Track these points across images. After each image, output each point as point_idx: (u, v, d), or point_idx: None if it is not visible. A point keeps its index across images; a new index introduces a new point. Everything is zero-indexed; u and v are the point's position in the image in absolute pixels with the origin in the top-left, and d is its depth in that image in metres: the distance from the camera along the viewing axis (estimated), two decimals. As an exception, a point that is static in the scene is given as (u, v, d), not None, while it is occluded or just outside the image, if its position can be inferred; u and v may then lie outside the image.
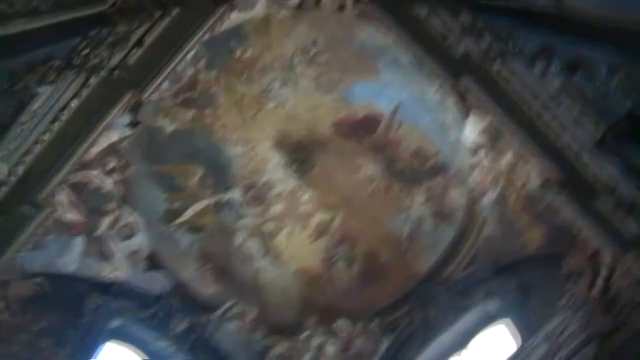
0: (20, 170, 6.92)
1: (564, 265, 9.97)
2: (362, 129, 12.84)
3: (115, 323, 11.49)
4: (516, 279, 11.35)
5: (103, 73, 6.29)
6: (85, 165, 10.31)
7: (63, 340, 10.10)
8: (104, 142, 10.34)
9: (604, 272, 9.23)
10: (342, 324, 12.97)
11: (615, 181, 7.66)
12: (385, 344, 12.80)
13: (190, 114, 12.33)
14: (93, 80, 6.37)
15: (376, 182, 13.19)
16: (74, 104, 6.57)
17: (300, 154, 13.14)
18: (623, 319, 8.69)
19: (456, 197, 12.59)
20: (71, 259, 11.00)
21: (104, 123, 7.33)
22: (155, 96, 7.62)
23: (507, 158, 10.91)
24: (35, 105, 5.90)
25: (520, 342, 10.44)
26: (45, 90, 5.66)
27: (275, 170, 13.31)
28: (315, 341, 12.81)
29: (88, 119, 7.14)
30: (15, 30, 4.54)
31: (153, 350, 11.81)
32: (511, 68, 8.21)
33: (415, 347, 12.42)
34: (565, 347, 8.97)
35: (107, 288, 11.54)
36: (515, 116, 8.04)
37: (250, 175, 13.27)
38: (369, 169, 13.16)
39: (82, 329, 10.80)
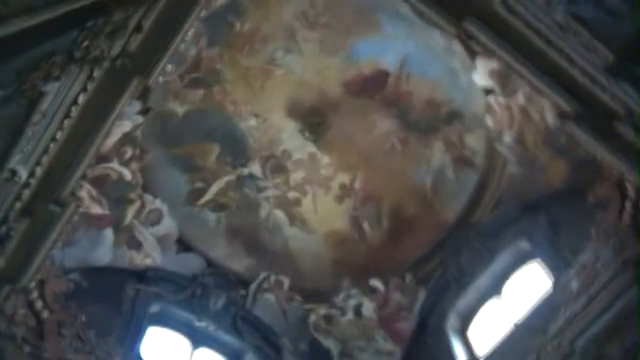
0: (40, 171, 7.01)
1: (591, 196, 9.91)
2: (372, 86, 12.75)
3: (154, 308, 11.65)
4: (544, 216, 11.28)
5: (106, 64, 6.28)
6: (102, 158, 10.40)
7: (107, 329, 10.28)
8: (117, 133, 10.41)
9: (632, 197, 9.18)
10: (376, 282, 13.07)
11: (632, 104, 7.56)
12: (422, 296, 12.86)
13: (199, 93, 12.34)
14: (97, 73, 6.38)
15: (393, 137, 13.13)
16: (82, 98, 6.57)
17: (314, 118, 13.11)
18: (655, 242, 8.67)
19: (475, 141, 12.51)
20: (103, 251, 11.14)
21: (115, 113, 7.34)
22: (161, 80, 7.59)
23: (521, 95, 10.79)
24: (44, 104, 5.92)
25: (554, 278, 10.43)
26: (52, 88, 5.68)
27: (291, 138, 13.31)
28: (353, 302, 12.92)
29: (98, 111, 7.15)
30: (15, 30, 4.54)
31: (195, 330, 11.97)
32: (514, 2, 8.03)
33: (452, 295, 12.48)
34: (599, 277, 8.95)
35: (142, 275, 11.67)
36: (523, 52, 7.90)
37: (267, 146, 13.28)
38: (384, 124, 13.09)
39: (124, 317, 10.96)
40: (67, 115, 6.69)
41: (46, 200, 7.74)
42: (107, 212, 10.98)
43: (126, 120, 10.46)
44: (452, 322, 12.34)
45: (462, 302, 12.38)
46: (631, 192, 9.19)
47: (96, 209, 10.74)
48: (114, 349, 9.82)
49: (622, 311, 8.52)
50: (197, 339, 11.99)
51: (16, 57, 4.89)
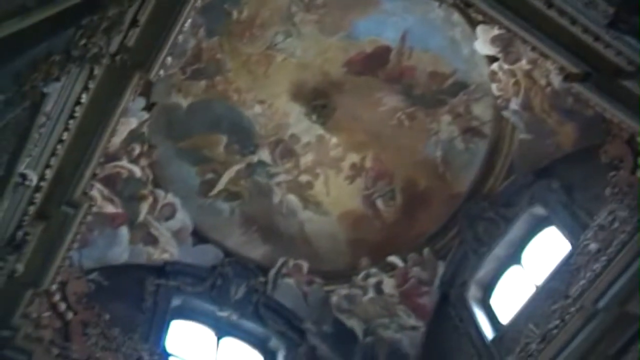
0: (50, 173, 7.03)
1: (603, 156, 9.84)
2: (374, 63, 12.70)
3: (176, 302, 11.74)
4: (557, 180, 11.24)
5: (105, 61, 6.26)
6: (111, 157, 10.45)
7: (132, 326, 10.37)
8: (124, 131, 10.45)
9: (644, 153, 9.12)
10: (395, 259, 13.09)
11: (638, 58, 7.46)
12: (441, 269, 12.88)
13: (202, 85, 12.36)
14: (97, 70, 6.37)
15: (399, 113, 13.11)
16: (85, 97, 6.57)
17: (319, 100, 13.10)
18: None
19: (482, 110, 12.48)
20: (120, 249, 11.23)
21: (119, 110, 7.32)
22: (162, 73, 7.57)
23: (525, 60, 10.74)
24: (48, 106, 5.92)
25: (572, 241, 10.39)
26: (53, 89, 5.67)
27: (297, 122, 13.31)
28: (372, 280, 12.96)
29: (102, 109, 7.13)
30: (10, 31, 4.52)
31: (218, 320, 12.06)
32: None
33: (471, 266, 12.49)
34: (617, 236, 8.90)
35: (161, 270, 11.76)
36: (523, 15, 7.79)
37: (275, 132, 13.30)
38: (390, 100, 13.05)
39: (147, 313, 11.06)
40: (71, 116, 6.69)
41: (59, 202, 7.75)
42: (120, 210, 11.06)
43: (131, 117, 10.51)
44: (473, 292, 12.37)
45: (482, 272, 12.39)
46: (643, 148, 9.12)
47: (109, 208, 10.82)
48: (140, 345, 9.90)
49: (642, 268, 8.49)
50: (221, 329, 12.08)
51: (13, 60, 4.86)
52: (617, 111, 8.45)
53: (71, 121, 6.83)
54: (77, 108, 6.74)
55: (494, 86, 11.71)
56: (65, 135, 6.86)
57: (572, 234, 10.54)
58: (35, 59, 5.01)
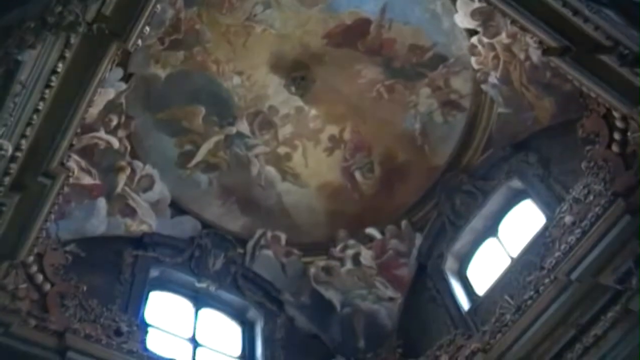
0: (25, 143, 6.93)
1: (580, 131, 9.94)
2: (354, 35, 12.60)
3: (154, 273, 11.73)
4: (534, 154, 11.35)
5: (82, 29, 6.13)
6: (88, 128, 10.34)
7: (110, 298, 10.35)
8: (101, 101, 10.32)
9: (619, 127, 9.20)
10: (373, 231, 13.17)
11: (616, 33, 7.49)
12: (419, 241, 13.00)
13: (180, 55, 12.18)
14: (74, 39, 6.26)
15: (379, 85, 13.06)
16: (61, 66, 6.46)
17: (298, 72, 13.01)
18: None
19: (461, 84, 12.49)
20: (98, 221, 11.16)
21: (96, 80, 7.19)
22: (140, 43, 7.45)
23: (505, 34, 10.75)
24: (23, 75, 5.83)
25: (548, 214, 10.53)
26: (28, 57, 5.57)
27: (276, 93, 13.23)
28: (350, 252, 13.04)
29: (79, 79, 7.01)
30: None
31: (196, 291, 12.07)
32: None
33: (448, 238, 12.64)
34: (592, 209, 9.03)
35: (139, 241, 11.74)
36: (503, -11, 7.80)
37: (254, 104, 13.21)
38: (369, 73, 13.00)
39: (125, 285, 11.02)
40: (47, 85, 6.57)
41: (35, 173, 7.65)
42: (98, 181, 10.97)
43: (109, 87, 10.38)
44: (450, 264, 12.52)
45: (459, 244, 12.54)
46: (619, 123, 9.20)
47: (87, 180, 10.73)
48: (119, 315, 9.87)
49: (614, 241, 8.63)
50: (200, 300, 12.11)
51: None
52: (594, 86, 8.52)
53: (47, 90, 6.72)
54: (53, 77, 6.62)
55: (473, 60, 11.71)
56: (41, 105, 6.75)
57: (547, 207, 10.68)
58: (9, 25, 4.90)
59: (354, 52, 12.77)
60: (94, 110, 10.03)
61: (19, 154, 7.02)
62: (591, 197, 9.24)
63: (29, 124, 6.82)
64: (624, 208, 8.62)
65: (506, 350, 9.68)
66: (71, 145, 7.98)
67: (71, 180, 8.89)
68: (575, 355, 8.94)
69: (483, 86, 11.89)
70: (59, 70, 6.55)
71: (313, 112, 13.48)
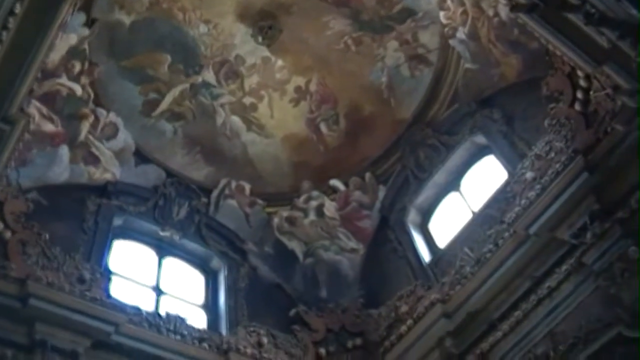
0: (-18, 88, 6.78)
1: (544, 87, 10.04)
2: (323, -15, 12.44)
3: (118, 221, 11.66)
4: (499, 110, 11.46)
5: (41, -29, 5.98)
6: (50, 74, 10.10)
7: (73, 246, 10.26)
8: (63, 47, 10.07)
9: (582, 86, 9.32)
10: (336, 182, 13.26)
11: (583, -7, 7.53)
12: (382, 194, 13.14)
13: (145, 2, 11.87)
14: (33, -20, 6.09)
15: (346, 37, 12.95)
16: (18, 8, 6.26)
17: (265, 21, 12.80)
18: (604, 129, 8.88)
19: (428, 38, 12.46)
20: (60, 168, 11.00)
21: (57, 24, 6.98)
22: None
23: (474, -11, 10.71)
24: (-22, 18, 5.66)
25: (509, 170, 10.70)
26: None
27: (243, 43, 13.03)
28: (314, 203, 13.13)
29: (38, 22, 6.80)
30: None
31: (160, 240, 12.05)
32: None
33: (411, 191, 12.79)
34: (552, 166, 9.19)
35: (103, 190, 11.62)
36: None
37: (220, 53, 12.99)
38: (337, 24, 12.86)
39: (88, 233, 10.94)
40: (4, 27, 6.38)
41: (-8, 119, 7.51)
42: (60, 129, 10.78)
43: (71, 32, 10.13)
44: (412, 217, 12.71)
45: (422, 198, 12.71)
46: (582, 82, 9.32)
47: (48, 127, 10.53)
48: (82, 263, 9.82)
49: (572, 197, 8.83)
50: (163, 249, 12.11)
51: None
52: (560, 44, 8.58)
53: (4, 32, 6.52)
54: (11, 19, 6.43)
55: (442, 14, 11.69)
56: (-3, 49, 6.58)
57: (510, 162, 10.84)
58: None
59: (322, 2, 12.60)
60: (56, 56, 9.81)
61: (-24, 98, 6.85)
62: (552, 154, 9.40)
63: (-15, 68, 6.64)
64: (583, 165, 8.79)
65: (464, 301, 9.95)
66: (31, 90, 7.84)
67: (32, 126, 8.75)
68: (530, 305, 9.22)
69: (451, 41, 11.88)
70: (16, 11, 6.35)
71: (279, 62, 13.35)
